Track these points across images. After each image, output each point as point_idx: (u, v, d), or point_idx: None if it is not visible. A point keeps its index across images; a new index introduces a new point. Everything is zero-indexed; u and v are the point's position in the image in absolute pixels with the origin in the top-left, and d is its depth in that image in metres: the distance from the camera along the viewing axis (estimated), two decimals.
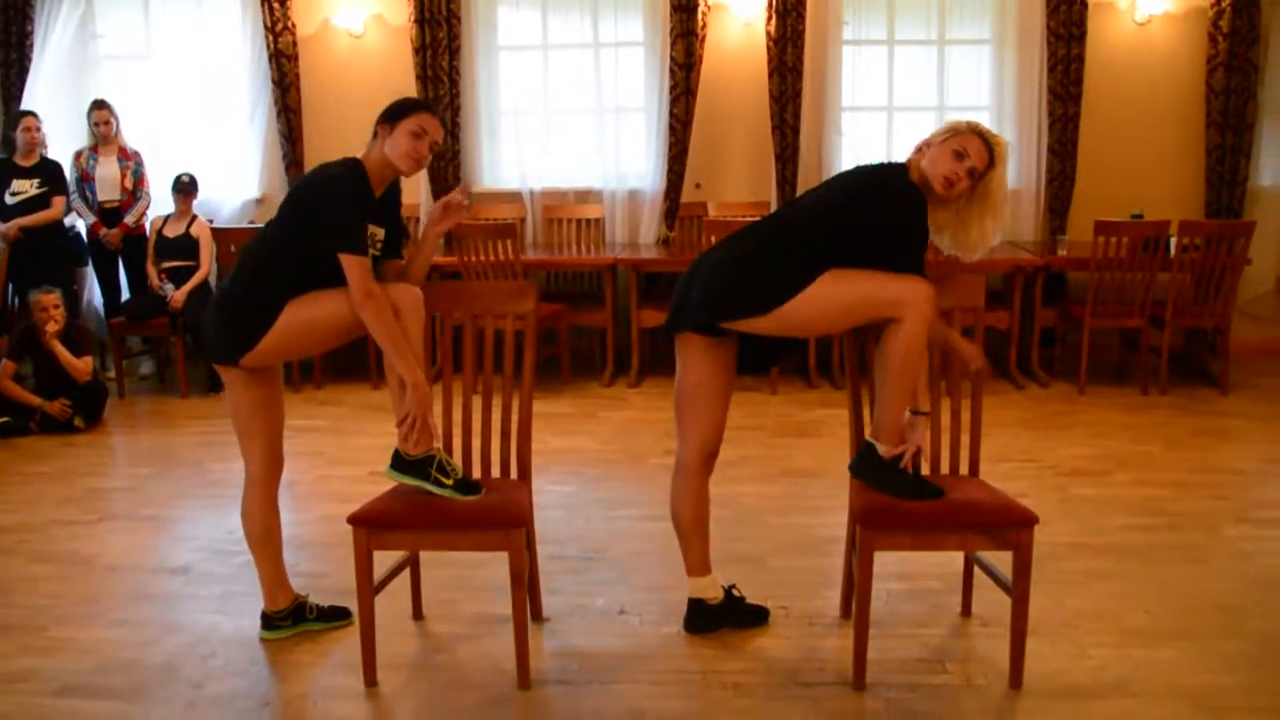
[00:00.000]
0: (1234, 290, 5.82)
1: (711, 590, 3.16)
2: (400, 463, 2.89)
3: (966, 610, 3.26)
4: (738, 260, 2.92)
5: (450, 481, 2.86)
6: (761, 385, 6.33)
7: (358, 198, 2.87)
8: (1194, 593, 3.39)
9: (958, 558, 3.41)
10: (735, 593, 3.22)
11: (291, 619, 3.16)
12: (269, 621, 3.15)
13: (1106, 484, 4.44)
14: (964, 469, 3.09)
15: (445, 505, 2.85)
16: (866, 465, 2.91)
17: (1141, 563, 3.63)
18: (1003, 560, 2.89)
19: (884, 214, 2.84)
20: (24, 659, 3.05)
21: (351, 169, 2.89)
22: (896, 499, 2.82)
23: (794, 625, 3.22)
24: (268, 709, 2.79)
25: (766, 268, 2.84)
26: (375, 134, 2.93)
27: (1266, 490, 4.42)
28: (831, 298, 2.80)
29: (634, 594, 3.45)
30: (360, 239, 2.84)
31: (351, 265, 2.80)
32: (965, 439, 3.06)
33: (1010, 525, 2.75)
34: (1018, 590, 2.77)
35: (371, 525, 2.83)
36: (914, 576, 3.51)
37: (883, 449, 2.87)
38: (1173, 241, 5.77)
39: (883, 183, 2.89)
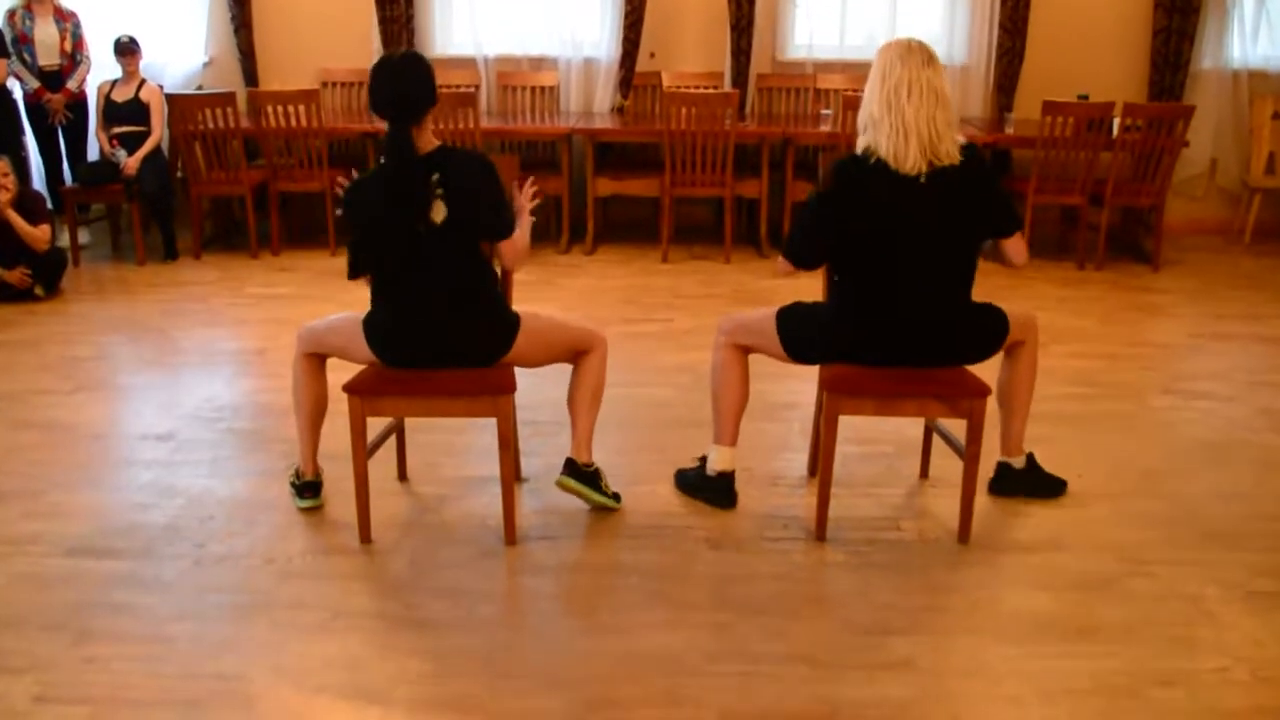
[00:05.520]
0: (1170, 171, 6.05)
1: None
2: (575, 472, 3.20)
3: (925, 473, 3.53)
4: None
5: (611, 492, 3.29)
6: (715, 254, 6.49)
7: None
8: (1121, 458, 3.70)
9: (907, 423, 3.67)
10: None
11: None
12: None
13: (1045, 355, 4.62)
14: None
15: (436, 374, 3.00)
16: (1008, 483, 3.36)
17: (1076, 429, 3.92)
18: (957, 426, 3.13)
19: None
20: (28, 523, 3.18)
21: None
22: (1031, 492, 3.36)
23: (758, 485, 3.46)
24: (272, 566, 2.96)
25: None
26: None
27: (1190, 363, 4.73)
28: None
29: (605, 456, 3.61)
30: None
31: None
32: None
33: (965, 395, 2.98)
34: (969, 453, 3.02)
35: (366, 393, 2.97)
36: (868, 441, 3.76)
37: (1016, 461, 3.34)
38: (1116, 122, 5.97)
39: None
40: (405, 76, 2.93)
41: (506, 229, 3.04)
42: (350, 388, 2.97)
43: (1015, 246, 3.12)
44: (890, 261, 2.95)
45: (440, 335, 3.00)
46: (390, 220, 2.93)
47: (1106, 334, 5.08)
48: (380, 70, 2.96)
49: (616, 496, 3.32)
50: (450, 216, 2.90)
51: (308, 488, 3.30)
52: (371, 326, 3.04)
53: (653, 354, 4.72)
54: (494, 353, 3.05)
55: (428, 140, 2.96)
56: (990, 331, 3.12)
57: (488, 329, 3.03)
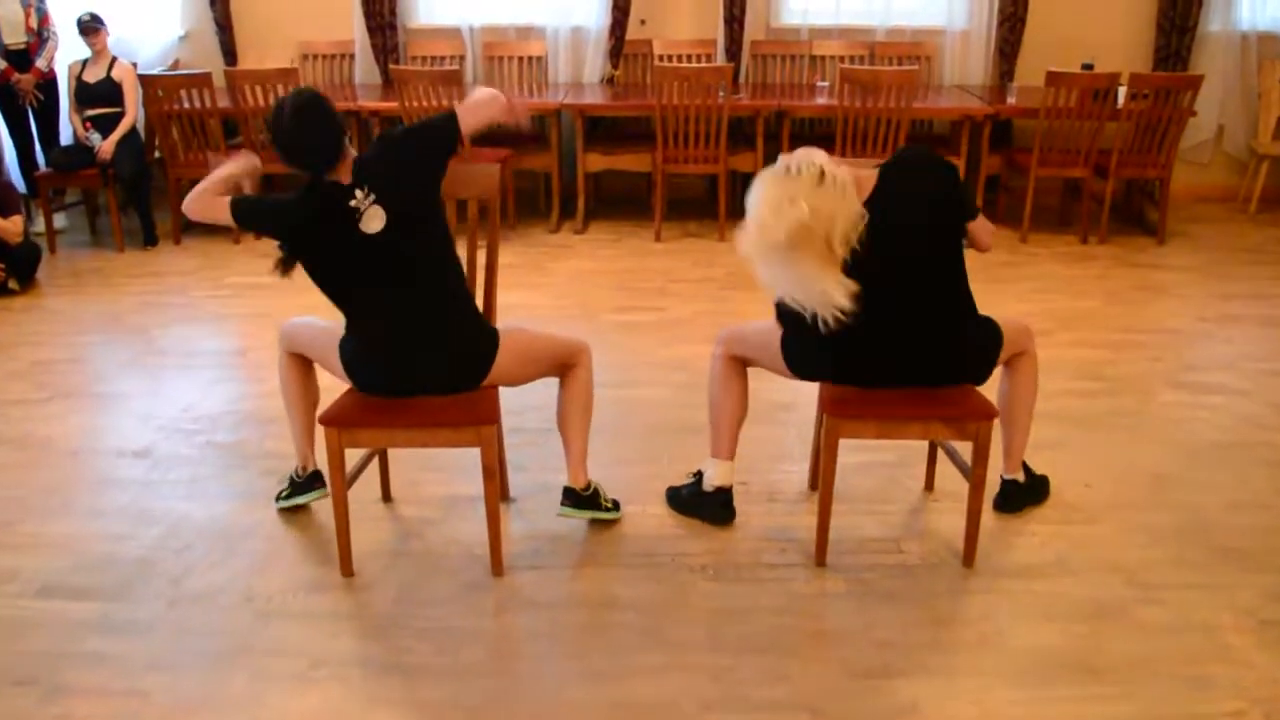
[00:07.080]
0: (1177, 143, 5.87)
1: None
2: (575, 500, 3.12)
3: (929, 484, 3.41)
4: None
5: (608, 505, 3.22)
6: (710, 231, 6.35)
7: None
8: (1128, 463, 3.58)
9: None
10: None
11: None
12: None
13: (1048, 344, 4.54)
14: None
15: (416, 403, 2.87)
16: (1014, 500, 3.25)
17: (1081, 431, 3.80)
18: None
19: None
20: (2, 558, 3.06)
21: None
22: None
23: (756, 502, 3.34)
24: (250, 605, 2.85)
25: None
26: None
27: (1199, 351, 4.59)
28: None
29: (595, 471, 3.46)
30: None
31: None
32: None
33: (971, 418, 2.84)
34: (975, 476, 2.89)
35: (343, 424, 2.84)
36: (869, 449, 3.61)
37: (1020, 476, 3.23)
38: (1121, 91, 5.77)
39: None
40: (306, 129, 2.77)
41: (445, 118, 2.87)
42: (327, 419, 2.84)
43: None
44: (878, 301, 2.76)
45: (413, 366, 2.86)
46: (334, 255, 2.83)
47: (1111, 318, 4.94)
48: (278, 125, 2.79)
49: (616, 505, 3.25)
50: (391, 211, 2.76)
51: (315, 478, 3.23)
52: (345, 352, 2.91)
53: (646, 348, 4.59)
54: (474, 377, 2.92)
55: (348, 166, 2.82)
56: (985, 348, 2.97)
57: (464, 354, 2.90)
